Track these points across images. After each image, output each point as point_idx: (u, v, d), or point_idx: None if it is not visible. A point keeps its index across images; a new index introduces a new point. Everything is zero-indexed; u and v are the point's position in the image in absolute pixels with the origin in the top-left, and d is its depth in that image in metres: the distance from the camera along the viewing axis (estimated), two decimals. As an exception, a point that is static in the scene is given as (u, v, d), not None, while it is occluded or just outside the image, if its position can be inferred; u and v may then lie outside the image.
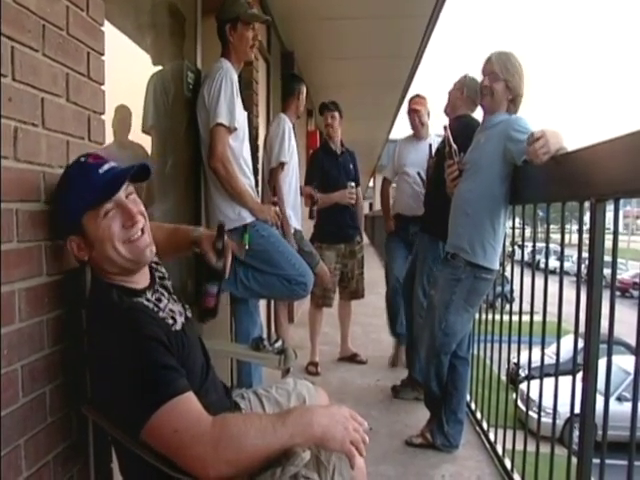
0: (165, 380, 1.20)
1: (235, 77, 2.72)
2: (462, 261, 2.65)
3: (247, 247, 2.67)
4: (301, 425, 1.20)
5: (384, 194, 4.72)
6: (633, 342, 1.59)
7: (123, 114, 2.35)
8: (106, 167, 1.34)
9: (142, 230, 1.38)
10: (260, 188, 3.98)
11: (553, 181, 2.16)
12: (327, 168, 4.48)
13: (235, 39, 2.77)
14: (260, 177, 3.93)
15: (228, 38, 2.77)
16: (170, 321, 1.40)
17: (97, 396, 1.35)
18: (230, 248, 1.77)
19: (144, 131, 2.58)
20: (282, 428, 1.18)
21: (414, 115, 4.29)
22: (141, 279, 1.44)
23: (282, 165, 3.73)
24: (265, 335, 3.59)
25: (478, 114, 3.11)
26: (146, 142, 2.60)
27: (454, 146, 2.77)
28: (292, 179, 3.85)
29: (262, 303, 3.93)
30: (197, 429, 1.16)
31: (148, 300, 1.40)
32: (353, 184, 4.42)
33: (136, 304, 1.36)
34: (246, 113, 2.89)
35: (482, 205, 2.63)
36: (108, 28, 1.68)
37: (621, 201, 1.75)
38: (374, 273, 11.19)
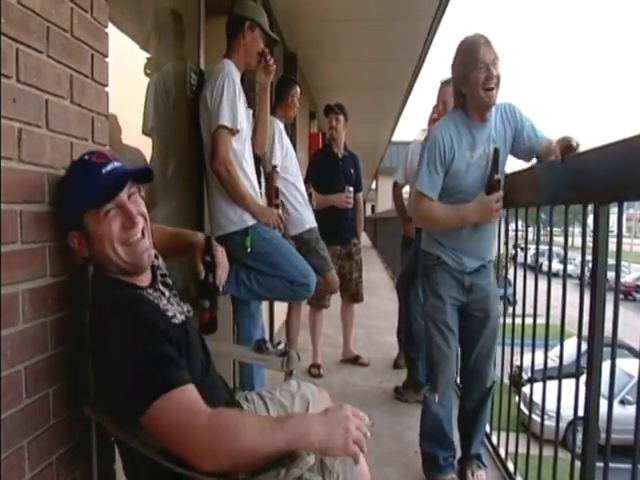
0: (165, 371, 1.21)
1: (237, 78, 2.72)
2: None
3: (249, 250, 2.67)
4: (298, 433, 1.19)
5: (397, 199, 4.64)
6: (636, 345, 1.58)
7: (124, 115, 2.36)
8: (109, 167, 1.35)
9: (142, 232, 1.39)
10: (263, 190, 3.98)
11: (556, 184, 2.15)
12: (326, 170, 4.49)
13: (248, 39, 2.77)
14: (263, 179, 3.93)
15: (243, 34, 2.76)
16: (170, 314, 1.41)
17: (98, 387, 1.36)
18: (220, 263, 1.74)
19: (144, 133, 2.58)
20: (279, 432, 1.18)
21: (433, 123, 4.20)
22: (144, 278, 1.45)
23: (274, 168, 3.68)
24: (267, 337, 3.59)
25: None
26: (147, 143, 2.60)
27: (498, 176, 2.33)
28: (297, 179, 3.84)
29: (264, 305, 3.93)
30: (195, 419, 1.17)
31: (149, 294, 1.42)
32: (351, 188, 4.41)
33: (138, 295, 1.38)
34: (251, 111, 2.88)
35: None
36: (111, 29, 1.68)
37: (624, 204, 1.74)
38: (376, 275, 11.23)
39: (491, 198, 2.29)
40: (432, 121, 4.13)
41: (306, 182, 4.30)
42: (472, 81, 2.29)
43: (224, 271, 1.76)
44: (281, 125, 3.86)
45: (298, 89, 4.08)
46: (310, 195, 4.17)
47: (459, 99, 2.43)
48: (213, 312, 1.78)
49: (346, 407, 1.26)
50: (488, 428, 3.06)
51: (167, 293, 1.50)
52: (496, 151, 2.29)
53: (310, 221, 3.81)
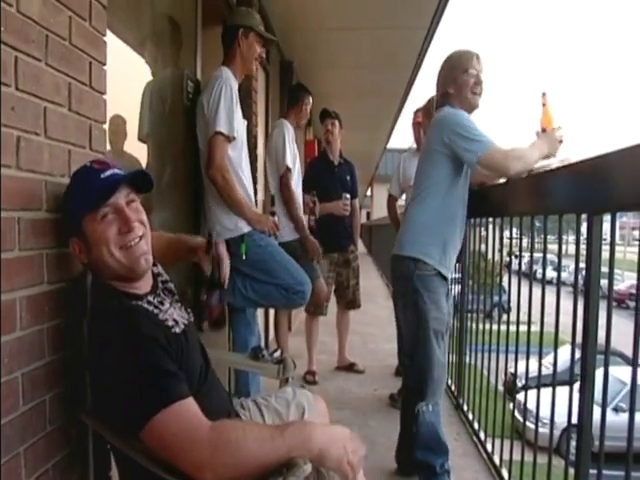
0: (164, 385, 1.21)
1: (235, 86, 2.72)
2: None
3: (244, 257, 2.67)
4: (299, 439, 1.20)
5: (391, 212, 4.61)
6: (629, 352, 1.60)
7: (120, 123, 2.36)
8: (108, 173, 1.36)
9: (140, 238, 1.40)
10: (260, 197, 3.99)
11: (550, 194, 2.17)
12: (323, 178, 4.51)
13: (244, 46, 2.78)
14: (262, 186, 3.94)
15: (238, 43, 2.77)
16: (170, 323, 1.40)
17: (96, 398, 1.36)
18: (223, 257, 1.78)
19: (140, 139, 2.59)
20: (280, 439, 1.18)
21: (418, 128, 4.20)
22: (142, 285, 1.45)
23: (288, 170, 3.75)
24: (263, 344, 3.58)
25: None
26: (143, 150, 2.61)
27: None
28: (296, 189, 3.86)
29: (260, 312, 3.94)
30: (195, 434, 1.17)
31: (149, 302, 1.41)
32: (348, 195, 4.45)
33: (136, 307, 1.37)
34: (245, 122, 2.89)
35: None
36: (109, 37, 1.69)
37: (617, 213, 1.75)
38: (371, 283, 11.23)
39: (552, 131, 2.34)
40: (416, 124, 4.19)
41: (308, 191, 4.32)
42: (461, 82, 2.42)
43: (226, 266, 1.80)
44: (291, 128, 3.91)
45: (310, 98, 4.16)
46: (314, 204, 4.19)
47: (443, 99, 2.51)
48: (222, 307, 1.81)
49: (346, 429, 1.28)
50: (483, 435, 3.06)
51: (169, 299, 1.51)
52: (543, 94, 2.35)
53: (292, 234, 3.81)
